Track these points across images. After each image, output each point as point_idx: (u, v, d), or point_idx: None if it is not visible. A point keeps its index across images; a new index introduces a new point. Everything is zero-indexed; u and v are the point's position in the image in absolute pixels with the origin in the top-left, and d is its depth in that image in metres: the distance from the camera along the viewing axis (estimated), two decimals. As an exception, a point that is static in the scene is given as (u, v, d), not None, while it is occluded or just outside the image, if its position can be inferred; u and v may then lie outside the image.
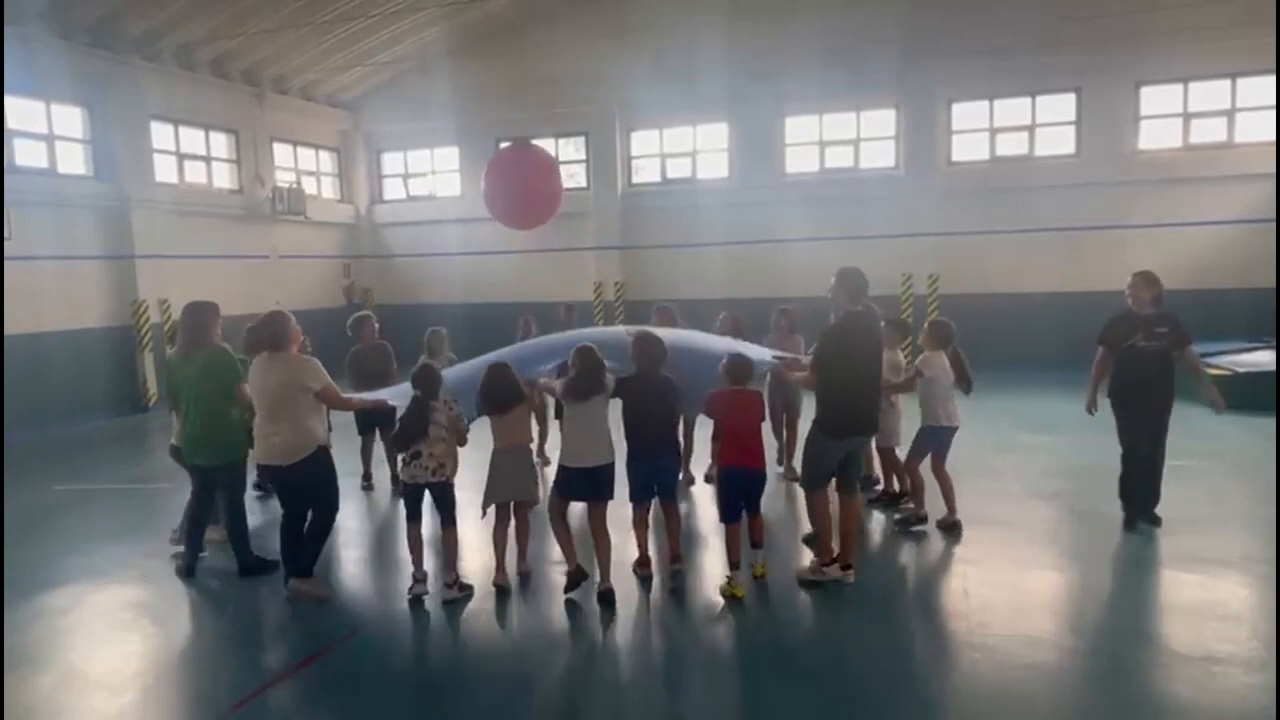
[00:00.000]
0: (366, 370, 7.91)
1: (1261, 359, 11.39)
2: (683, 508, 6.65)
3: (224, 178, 16.57)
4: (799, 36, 15.56)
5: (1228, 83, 14.49)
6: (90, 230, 13.54)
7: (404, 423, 5.46)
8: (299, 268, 17.86)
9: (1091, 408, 6.70)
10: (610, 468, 5.39)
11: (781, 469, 8.13)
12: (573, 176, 17.65)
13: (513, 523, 5.72)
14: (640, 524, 5.64)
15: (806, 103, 16.46)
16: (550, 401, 7.69)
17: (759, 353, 6.48)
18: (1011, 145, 15.82)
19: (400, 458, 5.71)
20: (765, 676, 4.50)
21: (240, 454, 6.00)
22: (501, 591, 5.57)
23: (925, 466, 6.65)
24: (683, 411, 6.56)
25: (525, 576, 5.81)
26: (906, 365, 7.18)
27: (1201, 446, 8.46)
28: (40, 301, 12.53)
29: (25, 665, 4.77)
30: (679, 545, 5.69)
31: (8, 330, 11.80)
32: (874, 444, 6.73)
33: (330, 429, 6.01)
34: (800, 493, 6.14)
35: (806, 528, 6.06)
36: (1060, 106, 15.50)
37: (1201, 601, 5.17)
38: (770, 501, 6.58)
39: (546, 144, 15.63)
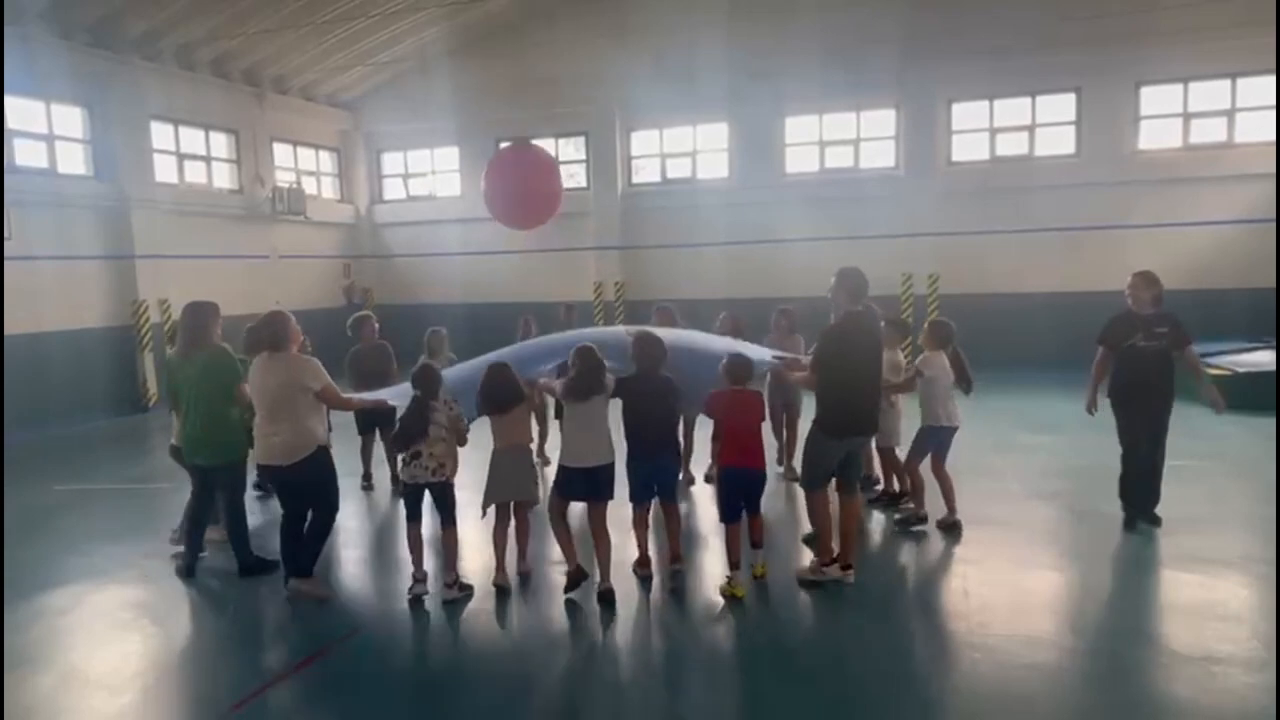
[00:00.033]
0: (366, 370, 7.91)
1: (1261, 359, 11.39)
2: (683, 508, 6.65)
3: (224, 178, 16.57)
4: (799, 36, 15.55)
5: (1228, 83, 14.49)
6: (90, 230, 13.55)
7: (404, 423, 5.46)
8: (299, 268, 17.86)
9: (1091, 408, 6.70)
10: (610, 468, 5.39)
11: (781, 469, 8.13)
12: (573, 176, 17.64)
13: (513, 523, 5.72)
14: (640, 524, 5.64)
15: (806, 103, 16.46)
16: (550, 401, 7.69)
17: (759, 353, 6.48)
18: (1011, 145, 15.81)
19: (400, 458, 5.71)
20: (765, 676, 4.50)
21: (240, 454, 6.01)
22: (501, 591, 5.57)
23: (925, 466, 6.65)
24: (683, 411, 6.56)
25: (525, 576, 5.81)
26: (906, 365, 7.18)
27: (1201, 446, 8.46)
28: (40, 301, 12.53)
29: (25, 665, 4.77)
30: (679, 545, 5.69)
31: (8, 330, 11.80)
32: (874, 444, 6.73)
33: (330, 429, 6.02)
34: (800, 493, 6.15)
35: (806, 528, 6.06)
36: (1060, 106, 15.49)
37: (1201, 601, 5.17)
38: (770, 501, 6.58)
39: (546, 144, 15.63)
